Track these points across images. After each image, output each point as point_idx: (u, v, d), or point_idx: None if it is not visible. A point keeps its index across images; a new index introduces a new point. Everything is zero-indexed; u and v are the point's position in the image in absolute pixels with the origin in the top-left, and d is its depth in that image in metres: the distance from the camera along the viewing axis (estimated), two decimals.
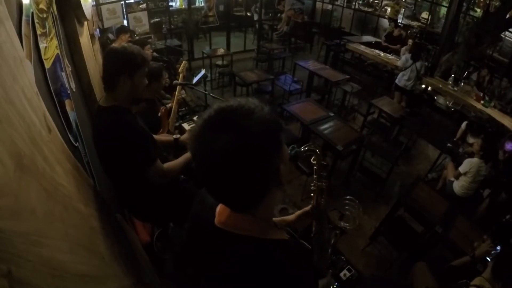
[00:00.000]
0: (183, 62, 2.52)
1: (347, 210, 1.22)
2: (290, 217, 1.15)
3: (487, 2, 5.12)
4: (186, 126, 2.56)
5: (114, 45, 1.45)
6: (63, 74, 1.41)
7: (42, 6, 1.23)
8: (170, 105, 2.26)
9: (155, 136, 2.03)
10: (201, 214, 0.78)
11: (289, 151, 1.00)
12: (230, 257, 0.68)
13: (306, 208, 1.10)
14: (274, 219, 1.07)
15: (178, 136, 1.91)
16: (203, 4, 6.38)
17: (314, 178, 1.01)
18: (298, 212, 1.14)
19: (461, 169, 2.88)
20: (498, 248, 1.87)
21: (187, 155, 1.59)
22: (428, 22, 6.77)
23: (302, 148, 0.92)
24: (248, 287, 0.66)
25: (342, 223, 1.09)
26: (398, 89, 4.71)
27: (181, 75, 2.39)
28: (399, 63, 4.73)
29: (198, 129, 0.58)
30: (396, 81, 4.70)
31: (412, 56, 4.44)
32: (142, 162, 1.38)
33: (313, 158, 1.00)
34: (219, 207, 0.71)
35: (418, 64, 4.38)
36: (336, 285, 1.59)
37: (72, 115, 1.38)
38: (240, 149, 0.54)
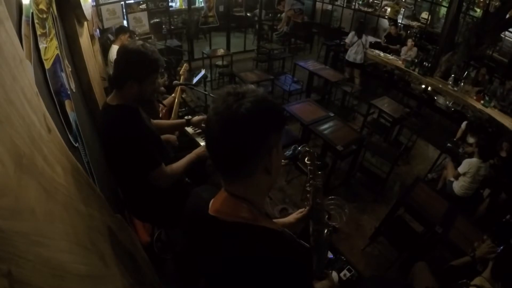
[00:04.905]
0: (184, 64, 2.58)
1: (332, 209, 1.23)
2: (288, 220, 1.13)
3: (487, 2, 5.13)
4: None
5: (131, 42, 1.39)
6: (63, 74, 1.41)
7: (42, 6, 1.23)
8: (168, 98, 2.31)
9: (168, 121, 2.06)
10: (196, 207, 0.79)
11: (290, 151, 1.01)
12: (224, 244, 0.69)
13: (304, 212, 1.09)
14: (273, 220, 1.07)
15: (189, 117, 1.92)
16: (203, 5, 6.37)
17: (308, 178, 1.00)
18: (296, 216, 1.12)
19: (460, 169, 2.89)
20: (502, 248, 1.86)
21: (190, 156, 1.59)
22: (428, 22, 6.76)
23: (300, 147, 0.94)
24: (242, 274, 0.66)
25: (330, 222, 1.10)
26: (349, 65, 5.33)
27: (182, 77, 2.45)
28: (346, 40, 5.36)
29: (221, 96, 0.65)
30: (346, 57, 5.30)
31: (356, 33, 5.14)
32: (145, 166, 1.36)
33: (307, 158, 0.99)
34: (213, 200, 0.73)
35: (363, 39, 5.08)
36: None
37: (72, 115, 1.37)
38: (250, 113, 0.61)
